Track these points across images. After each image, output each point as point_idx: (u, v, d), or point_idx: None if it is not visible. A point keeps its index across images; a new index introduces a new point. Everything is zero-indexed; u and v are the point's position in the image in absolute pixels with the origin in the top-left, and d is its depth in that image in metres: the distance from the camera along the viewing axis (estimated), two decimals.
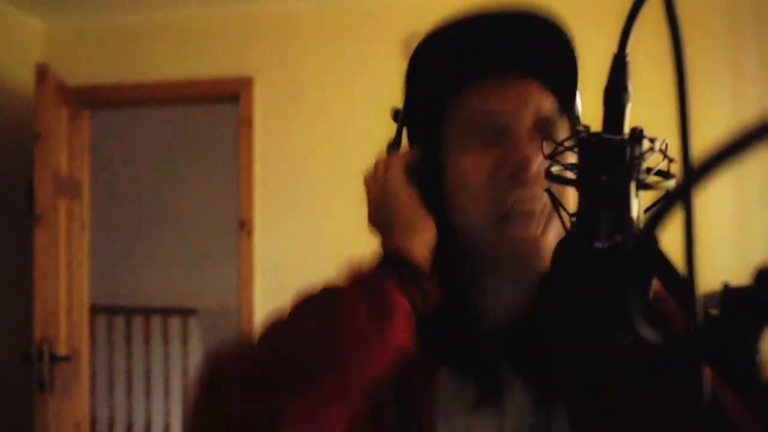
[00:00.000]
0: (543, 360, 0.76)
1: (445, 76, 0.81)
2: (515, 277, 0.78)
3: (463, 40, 0.78)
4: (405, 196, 0.78)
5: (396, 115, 0.90)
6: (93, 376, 4.10)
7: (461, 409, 0.77)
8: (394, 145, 0.87)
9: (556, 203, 0.64)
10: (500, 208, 0.75)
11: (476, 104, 0.78)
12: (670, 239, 0.45)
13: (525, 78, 0.78)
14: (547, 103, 0.78)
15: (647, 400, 0.72)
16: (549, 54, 0.77)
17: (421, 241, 0.75)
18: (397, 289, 0.69)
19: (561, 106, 0.79)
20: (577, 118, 0.81)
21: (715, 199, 2.94)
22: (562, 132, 0.78)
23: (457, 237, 0.80)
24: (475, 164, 0.77)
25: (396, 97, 0.88)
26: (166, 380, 4.95)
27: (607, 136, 0.53)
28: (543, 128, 0.76)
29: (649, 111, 1.01)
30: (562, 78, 0.79)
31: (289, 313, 0.70)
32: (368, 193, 0.83)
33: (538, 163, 0.73)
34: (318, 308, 0.69)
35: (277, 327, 0.70)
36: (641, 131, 0.53)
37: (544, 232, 0.75)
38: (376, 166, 0.83)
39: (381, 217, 0.80)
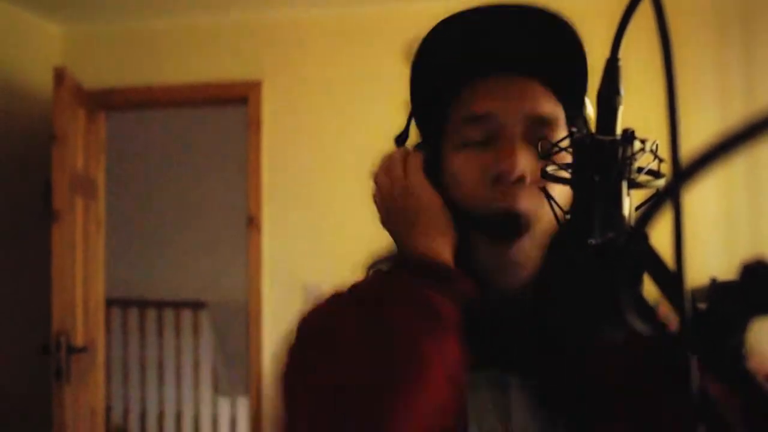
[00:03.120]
0: (540, 362, 0.73)
1: (448, 74, 0.77)
2: (502, 283, 0.74)
3: (467, 36, 0.74)
4: (430, 198, 0.74)
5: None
6: (108, 366, 4.10)
7: (473, 409, 0.73)
8: (401, 138, 0.83)
9: (550, 200, 0.64)
10: (488, 208, 0.72)
11: (473, 103, 0.75)
12: (660, 236, 0.45)
13: (527, 77, 0.75)
14: (545, 104, 0.74)
15: (648, 407, 0.69)
16: (554, 53, 0.73)
17: (447, 242, 0.72)
18: (444, 301, 0.65)
19: (566, 107, 0.76)
20: (585, 120, 0.77)
21: (703, 198, 2.93)
22: (562, 133, 0.73)
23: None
24: (466, 164, 0.74)
25: (397, 98, 0.87)
26: (178, 370, 4.95)
27: (600, 137, 0.53)
28: (536, 129, 0.73)
29: (640, 113, 1.01)
30: (567, 79, 0.75)
31: (339, 332, 0.66)
32: (382, 191, 0.78)
33: (522, 167, 0.70)
34: (375, 339, 0.64)
35: (335, 354, 0.65)
36: (633, 132, 0.53)
37: (528, 232, 0.72)
38: (391, 165, 0.78)
39: (400, 216, 0.75)
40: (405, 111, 0.84)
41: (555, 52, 0.73)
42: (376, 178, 0.80)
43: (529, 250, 0.72)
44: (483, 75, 0.76)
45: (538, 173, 0.65)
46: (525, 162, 0.70)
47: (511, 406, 0.73)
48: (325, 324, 0.70)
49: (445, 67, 0.76)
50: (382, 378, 0.61)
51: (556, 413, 0.73)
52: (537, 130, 0.73)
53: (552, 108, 0.74)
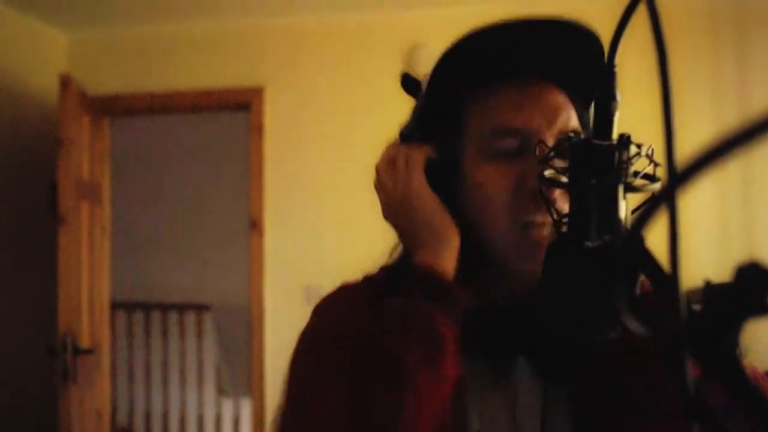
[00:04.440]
0: (543, 345, 0.73)
1: (472, 75, 0.75)
2: (526, 276, 0.73)
3: (495, 44, 0.72)
4: (430, 203, 0.73)
5: (405, 81, 0.82)
6: (113, 368, 4.10)
7: (478, 389, 0.74)
8: (406, 132, 0.80)
9: (549, 205, 0.64)
10: (519, 221, 0.72)
11: (504, 115, 0.73)
12: (656, 239, 0.45)
13: (553, 87, 0.74)
14: (573, 118, 0.74)
15: (650, 390, 0.69)
16: (579, 65, 0.72)
17: (450, 253, 0.72)
18: (442, 319, 0.65)
19: (578, 113, 0.76)
20: (588, 122, 0.76)
21: (698, 201, 2.93)
22: None
23: (469, 235, 0.75)
24: (497, 177, 0.72)
25: (397, 104, 0.86)
26: (182, 372, 4.95)
27: (596, 141, 0.53)
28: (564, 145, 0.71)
29: (635, 118, 1.01)
30: (588, 89, 0.74)
31: (339, 374, 0.66)
32: (384, 186, 0.77)
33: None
34: (379, 375, 0.64)
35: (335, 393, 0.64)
36: (629, 137, 0.53)
37: None
38: (394, 159, 0.77)
39: (402, 218, 0.75)
40: (400, 83, 0.82)
41: (579, 63, 0.72)
42: (378, 169, 0.79)
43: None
44: (509, 80, 0.75)
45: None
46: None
47: (518, 391, 0.75)
48: (331, 333, 0.72)
49: (470, 68, 0.74)
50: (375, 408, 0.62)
51: (558, 394, 0.74)
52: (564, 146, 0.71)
53: (576, 120, 0.75)
